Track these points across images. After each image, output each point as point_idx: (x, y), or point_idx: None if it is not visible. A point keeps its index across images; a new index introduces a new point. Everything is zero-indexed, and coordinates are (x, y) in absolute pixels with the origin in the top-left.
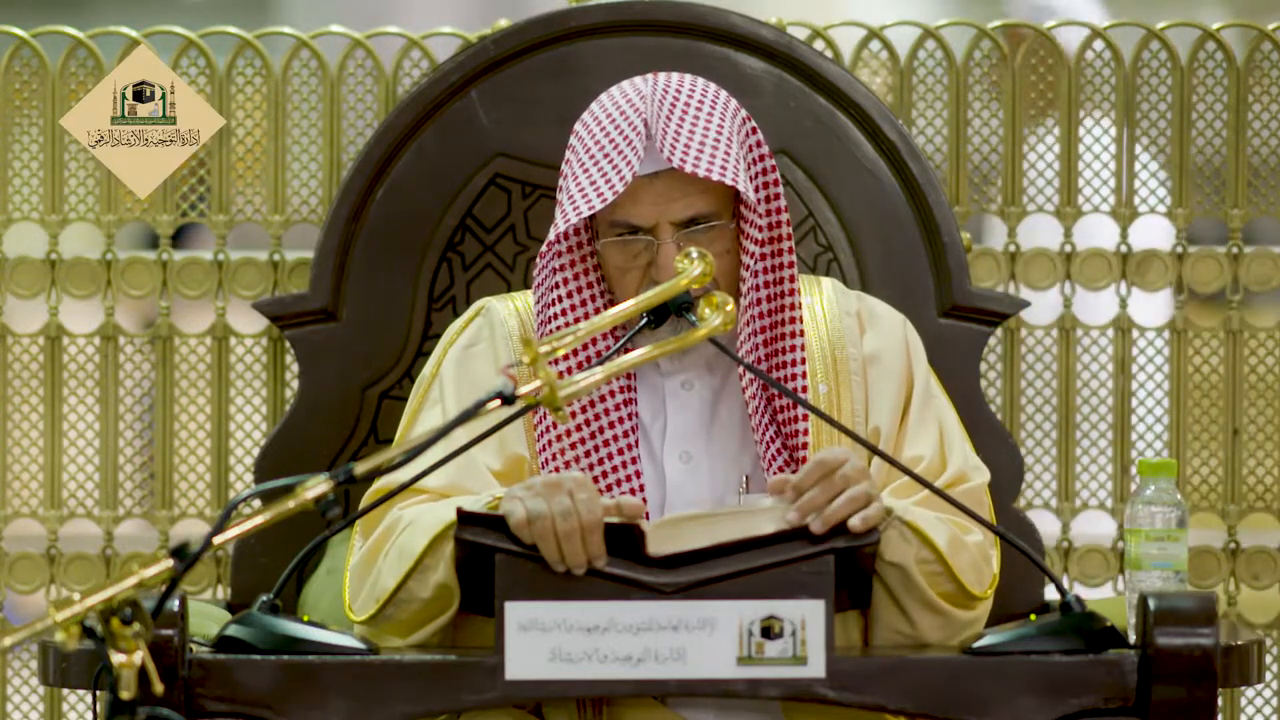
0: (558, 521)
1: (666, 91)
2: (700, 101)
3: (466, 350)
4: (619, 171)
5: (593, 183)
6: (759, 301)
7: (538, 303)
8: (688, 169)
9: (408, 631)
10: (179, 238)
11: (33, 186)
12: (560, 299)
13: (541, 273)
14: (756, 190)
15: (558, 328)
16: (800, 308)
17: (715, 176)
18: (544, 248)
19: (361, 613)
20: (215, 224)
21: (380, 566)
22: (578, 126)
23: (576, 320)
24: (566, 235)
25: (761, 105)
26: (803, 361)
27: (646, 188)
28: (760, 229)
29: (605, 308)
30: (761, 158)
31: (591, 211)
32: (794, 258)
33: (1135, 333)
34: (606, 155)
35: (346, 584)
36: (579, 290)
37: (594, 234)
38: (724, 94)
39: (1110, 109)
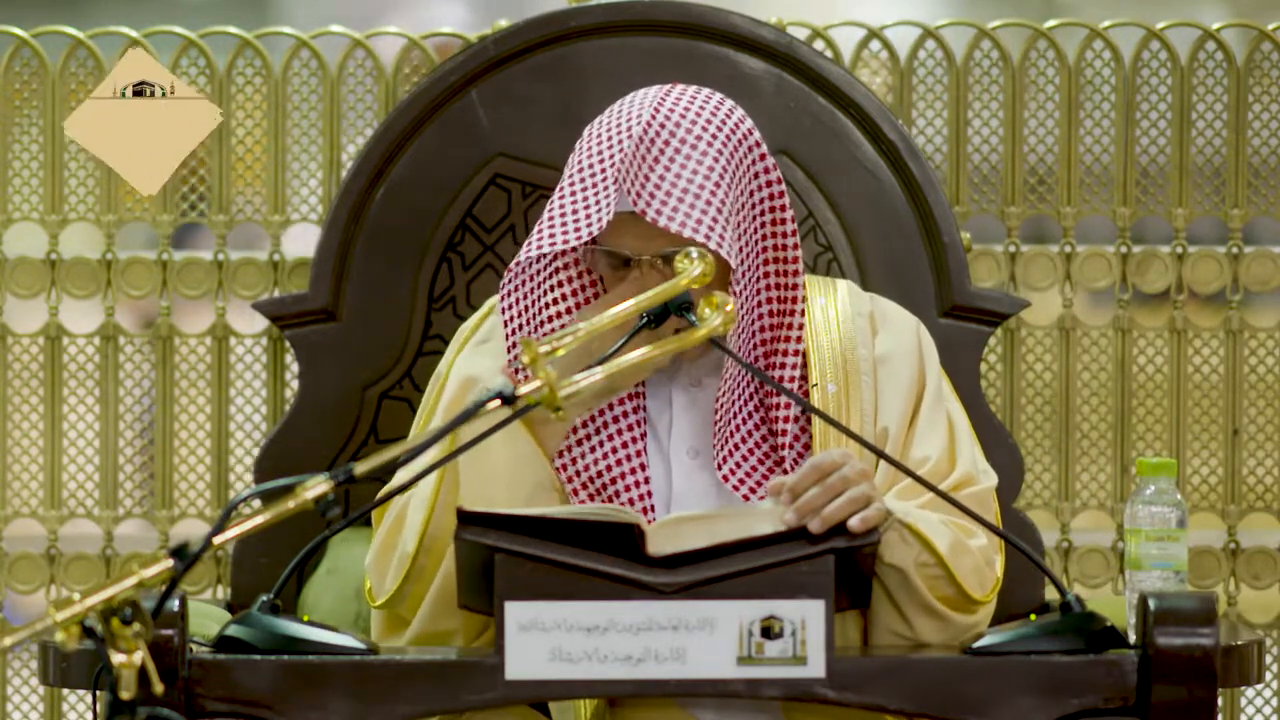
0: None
1: (663, 128)
2: (697, 139)
3: (480, 346)
4: (589, 217)
5: (573, 213)
6: (760, 317)
7: (517, 311)
8: (661, 223)
9: (431, 577)
10: (179, 238)
11: (33, 186)
12: (560, 299)
13: (517, 278)
14: (760, 214)
15: (558, 328)
16: (803, 314)
17: (688, 233)
18: (513, 266)
19: (393, 583)
20: (215, 224)
21: (404, 537)
22: (582, 137)
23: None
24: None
25: (761, 105)
26: (794, 367)
27: (630, 222)
28: (741, 282)
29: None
30: (765, 170)
31: (553, 250)
32: (798, 278)
33: (1135, 333)
34: (585, 190)
35: (367, 580)
36: (581, 289)
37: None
38: (728, 122)
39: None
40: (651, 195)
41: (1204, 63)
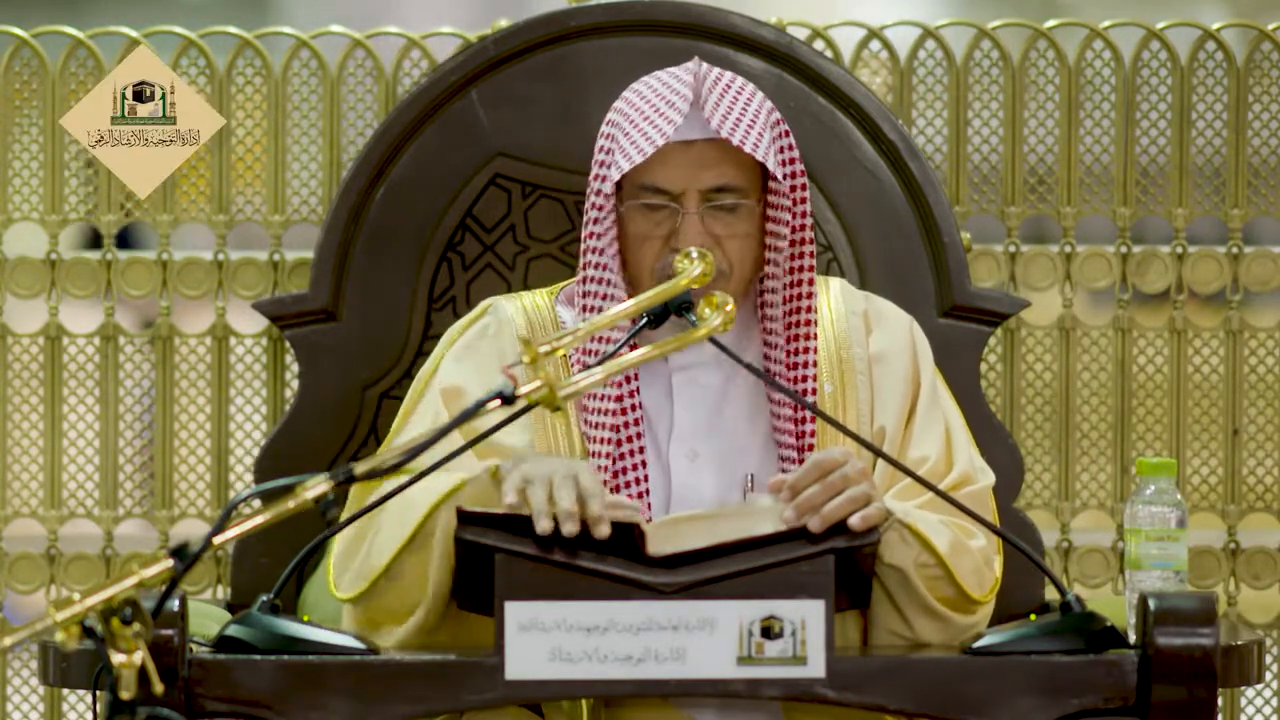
0: (555, 475)
1: (710, 71)
2: (740, 88)
3: (471, 344)
4: (658, 128)
5: (633, 143)
6: (776, 289)
7: (581, 269)
8: (725, 134)
9: (396, 615)
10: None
11: (33, 187)
12: (591, 266)
13: (588, 240)
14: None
15: (590, 293)
16: (815, 310)
17: (749, 149)
18: (588, 210)
19: (351, 589)
20: (215, 224)
21: (371, 542)
22: (618, 103)
23: (602, 295)
24: (602, 201)
25: None
26: (814, 364)
27: (681, 153)
28: (790, 215)
29: (618, 285)
30: (793, 160)
31: (631, 165)
32: (814, 260)
33: (1135, 333)
34: (647, 118)
35: (331, 564)
36: (600, 264)
37: (619, 203)
38: (759, 94)
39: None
40: (714, 112)
41: (1204, 63)
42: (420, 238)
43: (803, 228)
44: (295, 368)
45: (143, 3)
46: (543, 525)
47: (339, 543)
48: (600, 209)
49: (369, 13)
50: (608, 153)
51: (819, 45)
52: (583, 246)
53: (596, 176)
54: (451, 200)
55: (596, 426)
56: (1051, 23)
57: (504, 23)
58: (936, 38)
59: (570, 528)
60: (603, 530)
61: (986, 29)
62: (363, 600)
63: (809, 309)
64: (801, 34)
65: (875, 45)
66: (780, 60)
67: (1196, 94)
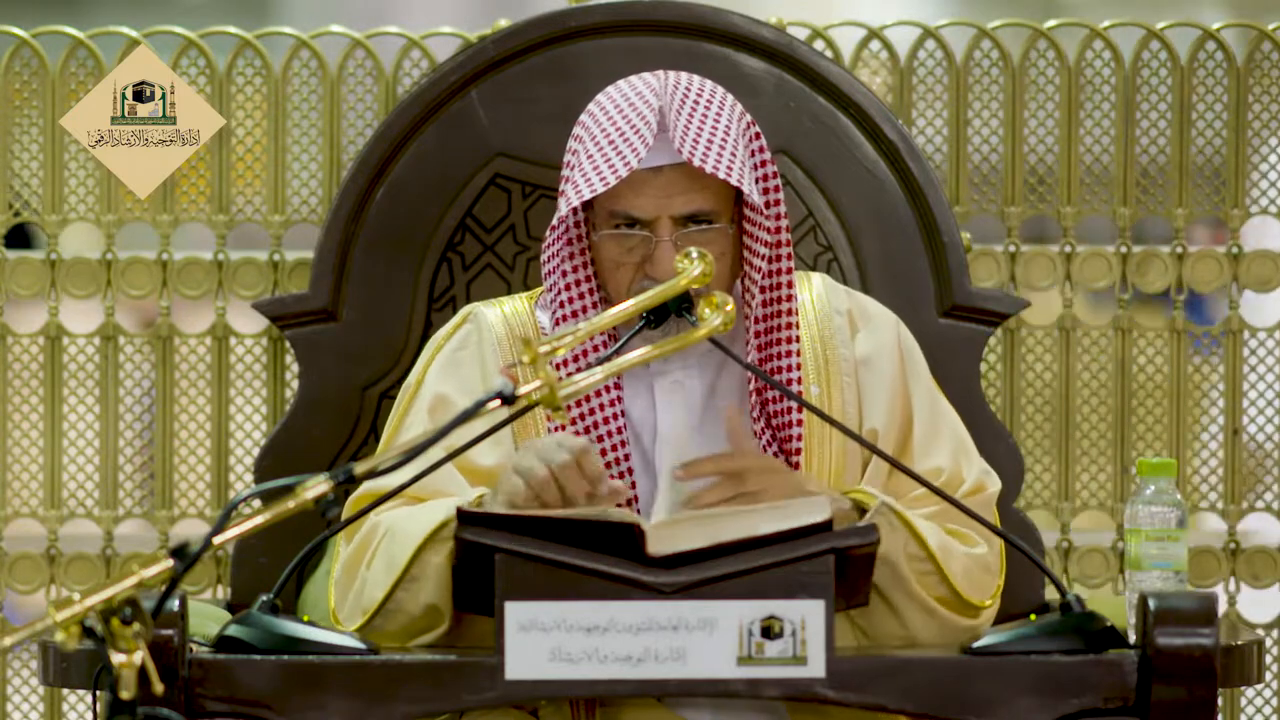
0: (551, 460)
1: (678, 86)
2: (709, 101)
3: (454, 354)
4: (623, 157)
5: (595, 168)
6: (756, 305)
7: (549, 290)
8: (697, 163)
9: (401, 639)
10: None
11: (33, 188)
12: (565, 289)
13: (550, 261)
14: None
15: (564, 317)
16: (796, 313)
17: (721, 175)
18: (547, 233)
19: (349, 623)
20: (215, 224)
21: (364, 576)
22: (584, 117)
23: (575, 314)
24: (565, 223)
25: (761, 105)
26: (798, 367)
27: (651, 180)
28: (768, 231)
29: (597, 305)
30: (764, 163)
31: (593, 194)
32: (792, 263)
33: (1135, 333)
34: (613, 143)
35: (331, 591)
36: (576, 284)
37: (590, 227)
38: (730, 97)
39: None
40: (683, 139)
41: (1204, 63)
42: (420, 238)
43: (778, 229)
44: (295, 368)
45: (143, 3)
46: (560, 504)
47: (339, 564)
48: (555, 228)
49: (369, 13)
50: (571, 168)
51: (819, 45)
52: (546, 260)
53: (561, 193)
54: (451, 200)
55: (583, 432)
56: (1051, 23)
57: (504, 23)
58: (936, 38)
59: (583, 503)
60: (604, 489)
61: (986, 29)
62: (364, 630)
63: (790, 311)
64: (801, 34)
65: (875, 45)
66: (780, 60)
67: (1196, 94)
